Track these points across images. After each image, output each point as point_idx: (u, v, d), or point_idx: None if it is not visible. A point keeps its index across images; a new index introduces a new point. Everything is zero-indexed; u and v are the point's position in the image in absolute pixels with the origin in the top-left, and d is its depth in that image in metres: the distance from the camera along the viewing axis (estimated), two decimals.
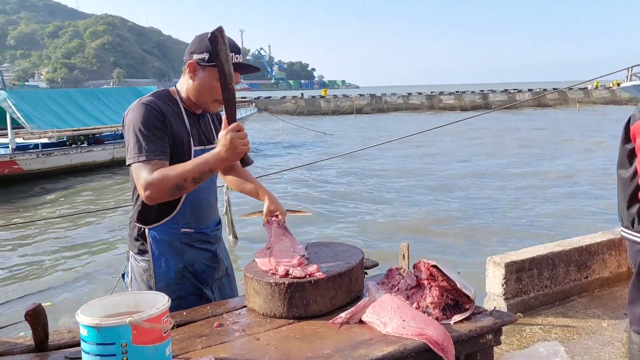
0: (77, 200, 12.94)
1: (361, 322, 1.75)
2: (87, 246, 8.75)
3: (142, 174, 1.85)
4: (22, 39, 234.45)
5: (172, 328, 1.46)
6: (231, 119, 1.85)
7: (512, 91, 50.77)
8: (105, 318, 1.32)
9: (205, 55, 1.98)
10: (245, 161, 1.91)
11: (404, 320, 1.66)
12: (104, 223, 10.05)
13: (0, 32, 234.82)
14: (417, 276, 1.88)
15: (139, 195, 2.00)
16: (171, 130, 1.98)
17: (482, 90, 52.15)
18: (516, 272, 3.80)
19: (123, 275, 2.21)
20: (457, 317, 1.74)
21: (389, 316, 1.69)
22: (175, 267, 2.05)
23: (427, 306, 1.78)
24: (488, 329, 1.71)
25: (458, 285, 1.75)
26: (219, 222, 2.29)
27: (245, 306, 1.92)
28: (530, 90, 50.76)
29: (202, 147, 2.09)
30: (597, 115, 34.94)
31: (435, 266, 1.81)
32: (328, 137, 25.85)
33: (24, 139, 16.15)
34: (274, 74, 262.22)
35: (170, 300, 1.40)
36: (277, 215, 2.22)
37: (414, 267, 1.90)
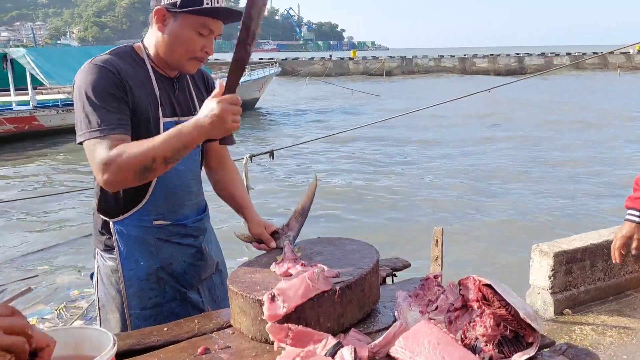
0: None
1: (388, 356, 1.33)
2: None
3: (97, 154, 1.45)
4: None
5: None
6: (231, 86, 1.45)
7: (549, 55, 48.64)
8: None
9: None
10: (227, 140, 1.57)
11: None
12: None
13: None
14: (462, 295, 1.44)
15: None
16: (132, 98, 1.54)
17: (517, 54, 50.07)
18: (566, 263, 3.32)
19: (92, 275, 1.81)
20: (518, 358, 1.29)
21: (425, 355, 1.26)
22: (149, 268, 1.64)
23: (476, 338, 1.34)
24: None
25: (521, 315, 1.30)
26: (204, 210, 1.85)
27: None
28: (568, 54, 48.53)
29: (176, 119, 1.65)
30: None
31: (489, 285, 1.36)
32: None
33: (42, 94, 16.06)
34: (302, 34, 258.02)
35: (116, 343, 0.98)
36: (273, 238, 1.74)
37: (460, 283, 1.45)
